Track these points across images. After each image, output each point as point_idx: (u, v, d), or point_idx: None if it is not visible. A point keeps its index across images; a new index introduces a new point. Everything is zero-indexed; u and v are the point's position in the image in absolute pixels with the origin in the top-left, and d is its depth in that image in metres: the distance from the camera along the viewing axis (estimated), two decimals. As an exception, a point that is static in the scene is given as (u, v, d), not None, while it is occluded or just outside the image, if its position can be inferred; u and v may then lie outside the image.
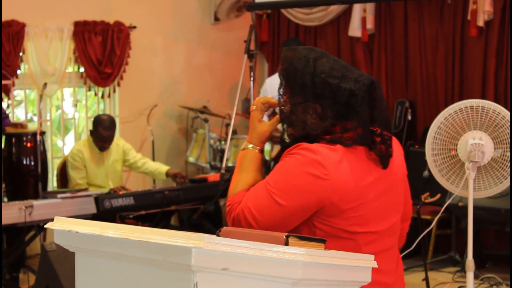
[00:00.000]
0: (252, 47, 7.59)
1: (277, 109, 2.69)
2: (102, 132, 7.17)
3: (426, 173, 7.25)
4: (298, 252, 2.00)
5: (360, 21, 8.38)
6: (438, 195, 5.78)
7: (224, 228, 2.20)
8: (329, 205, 2.50)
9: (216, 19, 9.26)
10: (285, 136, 2.67)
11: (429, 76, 8.04)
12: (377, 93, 2.58)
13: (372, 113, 2.57)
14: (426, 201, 5.78)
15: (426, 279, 5.66)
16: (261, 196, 2.53)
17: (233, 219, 2.56)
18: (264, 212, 2.51)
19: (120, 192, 6.89)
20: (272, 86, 7.87)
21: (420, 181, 7.45)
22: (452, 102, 5.48)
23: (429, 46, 8.00)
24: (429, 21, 7.97)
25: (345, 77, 2.55)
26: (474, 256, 5.02)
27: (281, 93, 2.64)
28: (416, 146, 7.69)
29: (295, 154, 2.54)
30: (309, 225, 2.56)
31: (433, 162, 5.12)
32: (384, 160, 2.61)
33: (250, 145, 2.73)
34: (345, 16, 8.63)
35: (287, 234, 2.10)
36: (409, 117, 8.15)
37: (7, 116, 7.35)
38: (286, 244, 2.07)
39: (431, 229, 5.94)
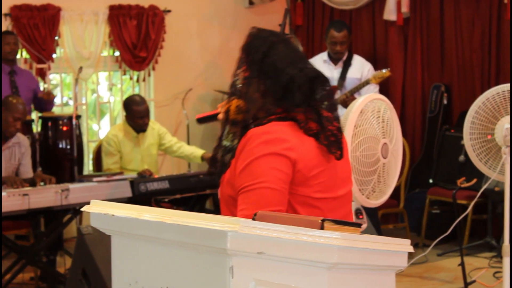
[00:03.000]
0: (287, 31, 7.56)
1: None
2: (137, 108, 7.17)
3: (462, 157, 7.20)
4: (333, 236, 1.99)
5: (395, 5, 8.31)
6: (474, 180, 5.73)
7: (260, 211, 2.20)
8: (296, 172, 2.59)
9: (251, 3, 9.24)
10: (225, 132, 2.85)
11: (465, 60, 7.96)
12: (321, 87, 2.69)
13: (312, 104, 2.67)
14: (462, 185, 5.75)
15: (462, 264, 5.64)
16: (255, 197, 2.55)
17: None
18: (271, 203, 2.54)
19: (148, 174, 6.88)
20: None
21: (456, 165, 7.40)
22: (489, 86, 5.43)
23: (465, 30, 7.92)
24: (465, 4, 7.88)
25: (293, 65, 2.69)
26: (511, 241, 4.98)
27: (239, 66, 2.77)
28: (452, 131, 7.63)
29: (250, 146, 2.60)
30: None
31: (470, 146, 5.10)
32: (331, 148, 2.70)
33: None
34: (380, 0, 8.57)
35: (322, 218, 2.09)
36: (445, 101, 8.08)
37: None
38: (322, 228, 2.06)
39: (467, 214, 5.90)
